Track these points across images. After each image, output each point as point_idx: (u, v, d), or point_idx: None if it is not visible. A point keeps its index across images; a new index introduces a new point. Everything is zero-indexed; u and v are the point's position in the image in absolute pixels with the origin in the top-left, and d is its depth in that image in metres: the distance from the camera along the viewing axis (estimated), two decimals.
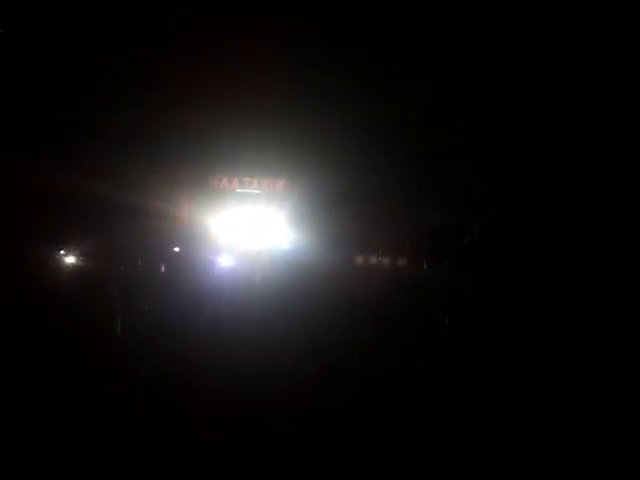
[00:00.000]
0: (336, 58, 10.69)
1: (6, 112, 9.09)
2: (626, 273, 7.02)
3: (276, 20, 10.70)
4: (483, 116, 9.65)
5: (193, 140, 11.73)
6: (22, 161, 8.94)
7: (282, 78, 11.27)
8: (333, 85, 11.03)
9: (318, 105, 11.30)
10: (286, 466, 4.85)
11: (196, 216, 12.01)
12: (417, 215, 10.12)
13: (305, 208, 11.88)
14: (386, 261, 10.72)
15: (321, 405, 5.83)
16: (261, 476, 4.78)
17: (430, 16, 9.68)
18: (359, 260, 11.00)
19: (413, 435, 5.39)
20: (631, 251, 7.21)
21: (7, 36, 9.21)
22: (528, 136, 9.23)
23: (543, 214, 8.38)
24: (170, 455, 4.85)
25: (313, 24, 10.52)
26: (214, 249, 11.46)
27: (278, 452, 5.00)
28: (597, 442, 5.17)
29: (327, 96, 11.18)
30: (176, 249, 11.19)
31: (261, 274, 10.75)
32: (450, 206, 9.47)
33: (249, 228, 12.35)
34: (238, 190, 12.81)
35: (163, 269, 10.37)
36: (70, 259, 8.86)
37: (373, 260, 10.91)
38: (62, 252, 8.83)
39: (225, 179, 12.82)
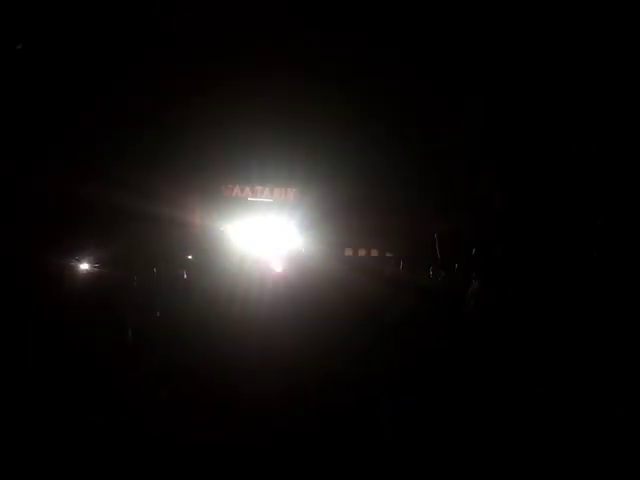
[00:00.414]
0: (351, 69, 10.79)
1: (20, 122, 9.33)
2: (626, 273, 7.00)
3: (289, 30, 10.84)
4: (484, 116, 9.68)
5: (206, 149, 11.90)
6: (37, 170, 9.17)
7: (295, 88, 11.42)
8: (344, 94, 11.15)
9: (329, 113, 11.42)
10: (286, 462, 4.94)
11: (209, 224, 12.18)
12: (424, 220, 10.19)
13: (316, 216, 11.99)
14: (392, 265, 10.81)
15: (325, 404, 5.90)
16: (261, 475, 4.86)
17: (430, 16, 9.72)
18: (366, 264, 11.11)
19: (413, 435, 5.43)
20: (631, 251, 7.19)
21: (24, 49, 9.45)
22: (528, 136, 9.25)
23: (543, 214, 8.39)
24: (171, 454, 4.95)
25: (326, 29, 10.63)
26: (226, 256, 11.60)
27: (277, 451, 5.07)
28: (597, 442, 5.17)
29: (338, 105, 11.30)
30: (189, 257, 11.38)
31: (272, 279, 10.88)
32: (455, 211, 9.53)
33: (261, 235, 12.48)
34: (250, 198, 12.99)
35: (177, 276, 10.51)
36: (84, 266, 9.03)
37: (379, 264, 11.01)
38: (77, 259, 9.00)
39: (237, 187, 13.01)
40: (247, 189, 13.02)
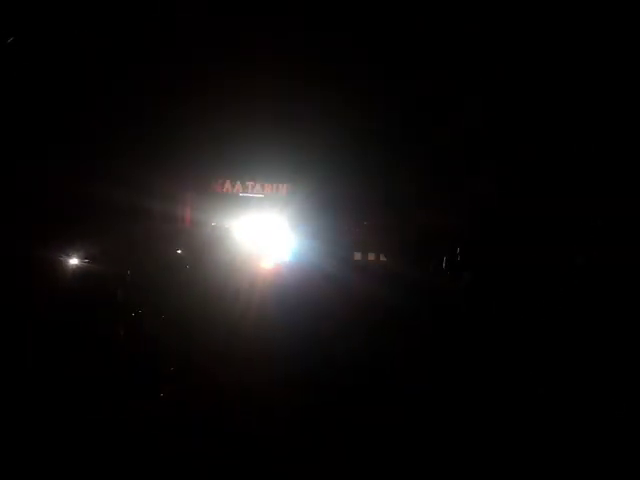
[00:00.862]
0: (341, 62, 10.76)
1: (20, 121, 9.21)
2: (626, 273, 7.06)
3: (278, 23, 10.79)
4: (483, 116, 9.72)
5: (196, 144, 11.81)
6: (35, 168, 9.07)
7: (285, 82, 11.37)
8: (335, 88, 11.12)
9: (321, 108, 11.40)
10: (288, 452, 4.98)
11: (199, 220, 12.09)
12: (418, 216, 10.22)
13: (308, 211, 11.96)
14: (386, 261, 10.88)
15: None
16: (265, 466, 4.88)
17: (430, 16, 9.72)
18: (360, 261, 11.15)
19: (413, 435, 5.47)
20: (631, 251, 7.25)
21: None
22: (528, 136, 9.29)
23: (543, 214, 8.45)
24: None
25: (314, 29, 10.61)
26: (217, 252, 11.53)
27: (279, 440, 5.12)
28: (597, 442, 5.22)
29: (329, 99, 11.27)
30: (178, 251, 11.28)
31: (265, 275, 10.86)
32: (450, 207, 9.56)
33: (253, 231, 12.42)
34: (241, 194, 12.91)
35: (167, 271, 10.43)
36: (74, 261, 8.93)
37: (374, 260, 11.07)
38: (68, 256, 8.90)
39: (228, 183, 12.91)
40: (238, 185, 12.93)
